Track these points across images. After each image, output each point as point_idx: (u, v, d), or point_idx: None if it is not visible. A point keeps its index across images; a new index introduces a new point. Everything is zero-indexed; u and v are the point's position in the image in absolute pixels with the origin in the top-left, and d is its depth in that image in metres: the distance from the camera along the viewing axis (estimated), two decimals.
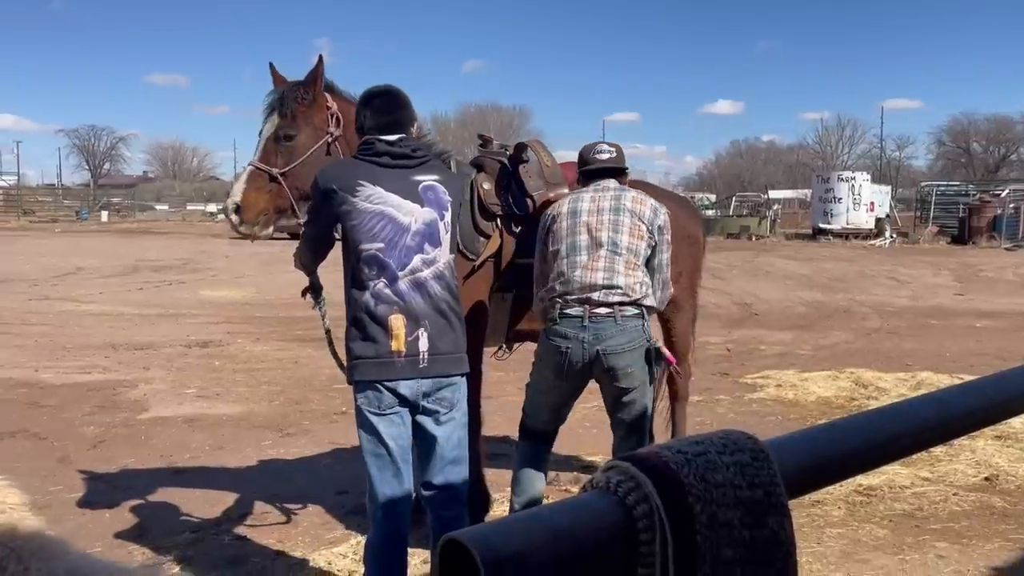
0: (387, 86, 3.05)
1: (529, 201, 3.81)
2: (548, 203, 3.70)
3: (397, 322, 2.75)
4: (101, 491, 4.67)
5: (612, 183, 3.53)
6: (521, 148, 3.92)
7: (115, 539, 4.02)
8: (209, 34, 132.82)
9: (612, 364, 3.28)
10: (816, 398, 6.93)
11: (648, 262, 3.43)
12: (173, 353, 9.02)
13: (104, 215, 49.04)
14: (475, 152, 4.17)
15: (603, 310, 3.28)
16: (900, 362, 8.52)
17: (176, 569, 3.66)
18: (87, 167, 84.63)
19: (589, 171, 3.58)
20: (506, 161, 3.91)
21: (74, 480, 4.86)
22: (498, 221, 3.80)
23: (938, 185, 36.64)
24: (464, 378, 2.94)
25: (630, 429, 3.43)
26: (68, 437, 5.81)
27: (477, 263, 3.70)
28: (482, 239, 3.74)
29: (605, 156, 3.59)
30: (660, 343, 3.46)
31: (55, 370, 8.02)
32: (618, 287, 3.29)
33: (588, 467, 5.07)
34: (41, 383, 7.47)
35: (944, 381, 7.16)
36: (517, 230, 3.81)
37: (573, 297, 3.30)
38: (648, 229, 3.40)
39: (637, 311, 3.32)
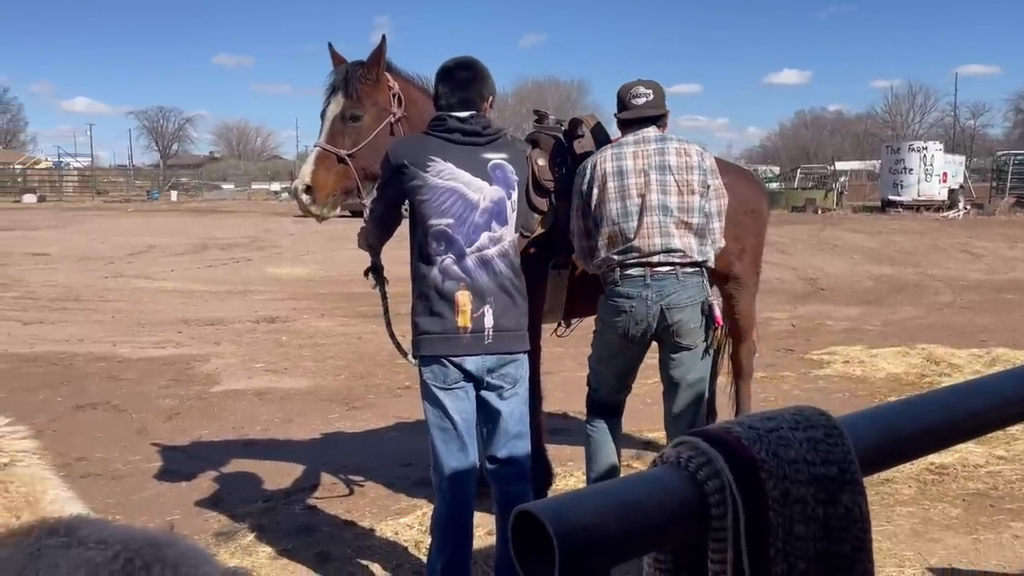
0: (463, 59, 3.03)
1: None
2: (585, 154, 3.60)
3: (464, 298, 2.78)
4: (178, 461, 4.86)
5: (652, 132, 3.38)
6: (576, 124, 3.88)
7: (193, 507, 4.19)
8: (273, 13, 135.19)
9: (676, 319, 3.23)
10: (885, 375, 6.75)
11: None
12: (242, 329, 9.28)
13: (173, 195, 50.45)
14: (532, 128, 4.15)
15: (664, 268, 3.24)
16: (974, 338, 8.24)
17: (251, 536, 3.80)
18: (156, 148, 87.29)
19: (627, 119, 3.43)
20: (561, 136, 3.88)
21: (152, 450, 5.06)
22: (552, 197, 3.77)
23: (1015, 154, 35.07)
24: (526, 355, 2.96)
25: (685, 397, 3.34)
26: (145, 409, 6.05)
27: (531, 239, 3.70)
28: (536, 215, 3.72)
29: (642, 101, 3.41)
30: (716, 301, 3.36)
31: (131, 344, 8.34)
32: (677, 250, 3.24)
33: (649, 443, 5.06)
34: (119, 357, 7.78)
35: (1021, 357, 6.91)
36: None
37: (632, 263, 3.26)
38: (699, 178, 3.29)
39: (697, 269, 3.29)
